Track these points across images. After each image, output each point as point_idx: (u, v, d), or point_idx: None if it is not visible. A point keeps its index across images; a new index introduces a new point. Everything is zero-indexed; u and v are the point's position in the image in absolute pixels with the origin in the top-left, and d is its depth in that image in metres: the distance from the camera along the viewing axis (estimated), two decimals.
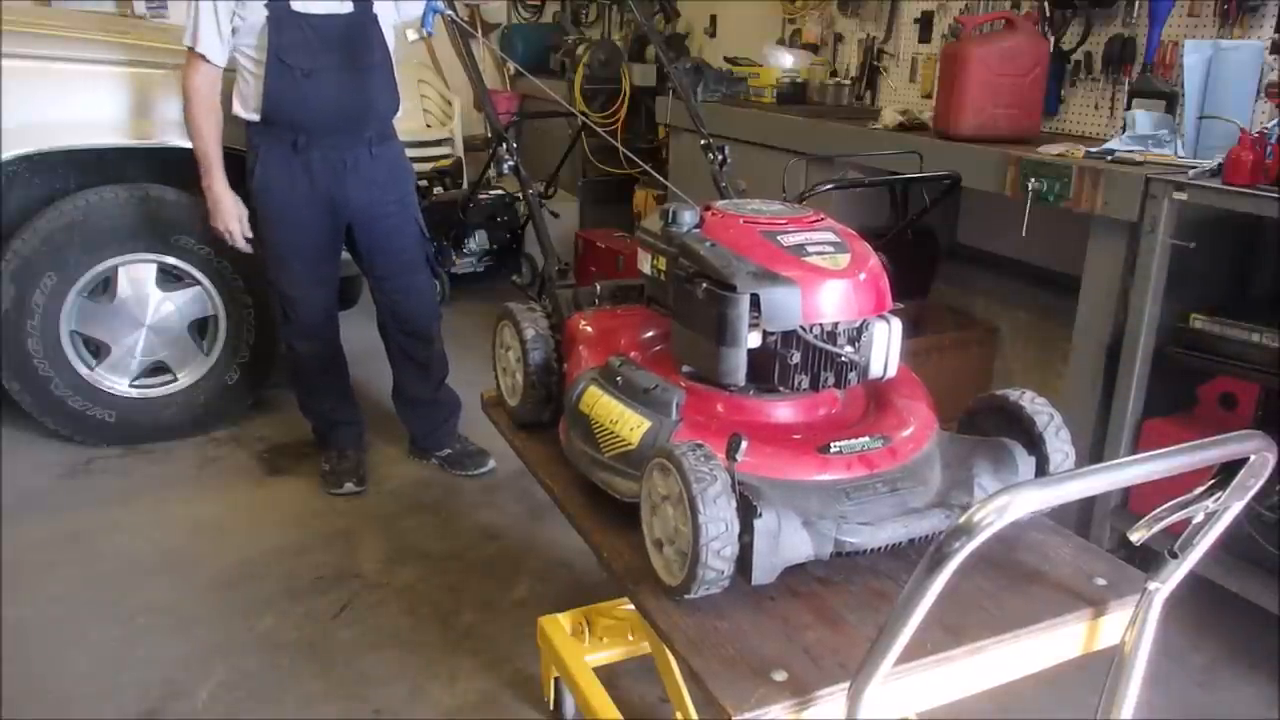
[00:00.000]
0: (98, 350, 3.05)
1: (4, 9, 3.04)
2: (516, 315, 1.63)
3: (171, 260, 3.03)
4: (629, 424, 1.31)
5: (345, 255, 2.89)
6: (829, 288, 1.26)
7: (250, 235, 2.69)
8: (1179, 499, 1.03)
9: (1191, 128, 2.36)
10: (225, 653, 2.14)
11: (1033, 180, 2.41)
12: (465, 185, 4.37)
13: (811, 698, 1.03)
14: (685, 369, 1.40)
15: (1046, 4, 2.99)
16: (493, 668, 2.12)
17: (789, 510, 1.15)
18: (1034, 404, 1.34)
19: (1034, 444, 1.32)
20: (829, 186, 2.16)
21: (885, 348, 1.32)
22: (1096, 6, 2.89)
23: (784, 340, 1.27)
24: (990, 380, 3.33)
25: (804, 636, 1.12)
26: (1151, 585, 1.13)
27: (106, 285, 3.01)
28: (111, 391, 3.06)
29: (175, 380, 3.14)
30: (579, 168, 5.02)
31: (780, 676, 1.04)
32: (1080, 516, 2.39)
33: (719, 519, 1.08)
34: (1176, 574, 1.12)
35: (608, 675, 1.87)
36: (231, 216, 2.65)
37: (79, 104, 2.88)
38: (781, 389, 1.31)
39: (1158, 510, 1.04)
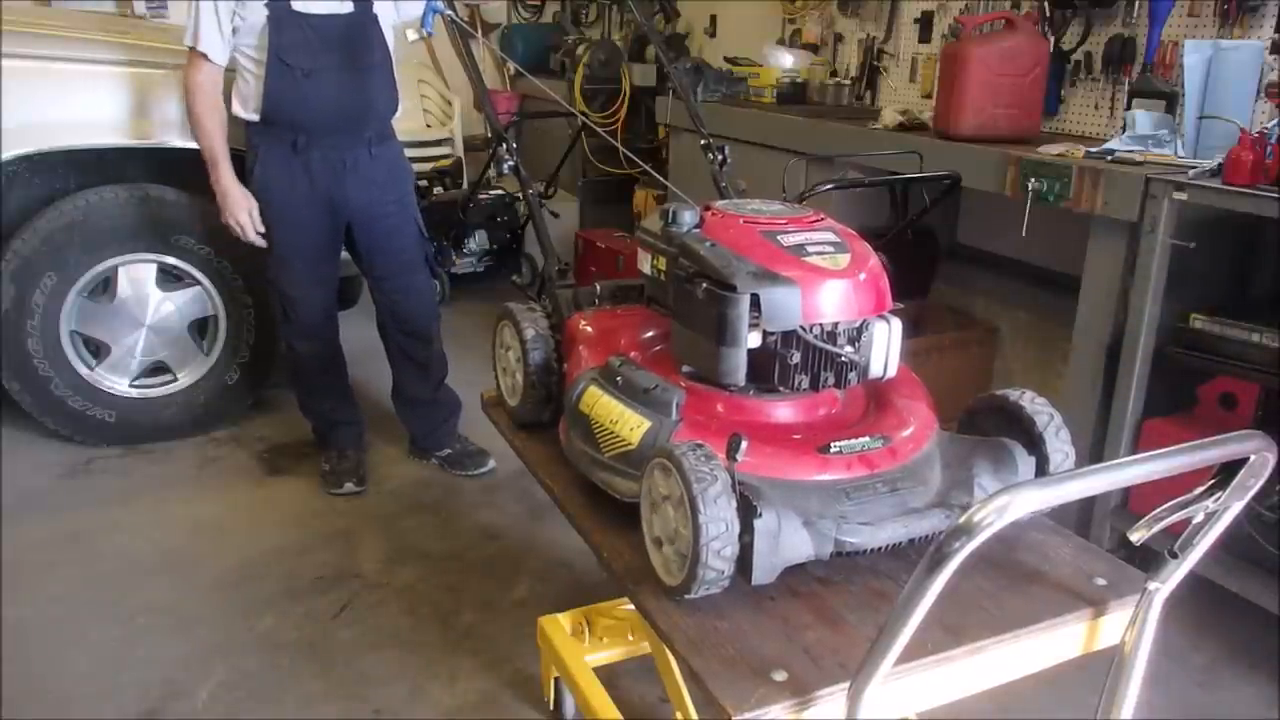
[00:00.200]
0: (98, 350, 3.05)
1: (4, 9, 3.04)
2: (516, 315, 1.63)
3: (171, 260, 3.03)
4: (629, 424, 1.31)
5: (345, 255, 2.89)
6: (829, 288, 1.26)
7: (262, 229, 2.68)
8: (1179, 499, 1.03)
9: (1191, 128, 2.36)
10: (225, 653, 2.14)
11: (1033, 180, 2.41)
12: (465, 185, 4.37)
13: (811, 698, 1.03)
14: (685, 369, 1.40)
15: (1046, 4, 2.99)
16: (493, 668, 2.12)
17: (789, 510, 1.15)
18: (1034, 404, 1.34)
19: (1034, 444, 1.32)
20: (829, 186, 2.16)
21: (885, 348, 1.32)
22: (1096, 6, 2.89)
23: (784, 340, 1.27)
24: (990, 380, 3.33)
25: (804, 636, 1.12)
26: (1151, 585, 1.13)
27: (106, 285, 3.01)
28: (111, 391, 3.06)
29: (175, 380, 3.14)
30: (579, 168, 5.02)
31: (780, 676, 1.04)
32: (1080, 516, 2.39)
33: (719, 519, 1.08)
34: (1176, 574, 1.12)
35: (608, 675, 1.87)
36: (241, 209, 2.64)
37: (79, 104, 2.88)
38: (781, 389, 1.31)
39: (1158, 510, 1.04)
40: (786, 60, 3.92)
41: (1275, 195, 1.96)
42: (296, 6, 2.50)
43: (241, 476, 2.97)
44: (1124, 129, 2.56)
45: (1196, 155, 2.31)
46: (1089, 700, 1.19)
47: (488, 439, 2.87)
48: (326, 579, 2.44)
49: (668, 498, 1.16)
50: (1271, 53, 2.43)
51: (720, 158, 2.06)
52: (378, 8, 2.65)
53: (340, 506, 2.81)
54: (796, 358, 1.28)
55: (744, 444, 1.13)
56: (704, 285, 1.26)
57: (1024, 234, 2.43)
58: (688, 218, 1.37)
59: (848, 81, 3.87)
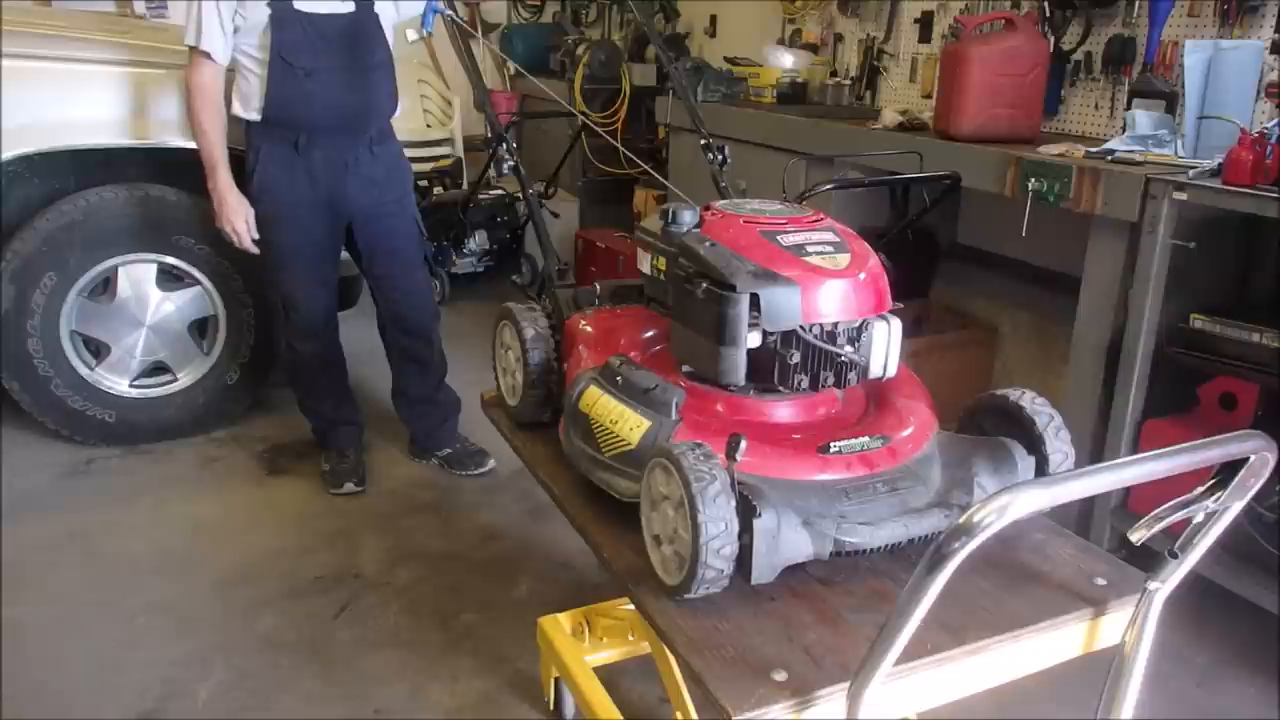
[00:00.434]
0: (98, 350, 3.05)
1: (4, 9, 3.04)
2: (516, 315, 1.63)
3: (171, 260, 3.03)
4: (629, 424, 1.31)
5: (345, 255, 2.89)
6: (829, 287, 1.26)
7: (256, 235, 2.68)
8: (1179, 499, 1.03)
9: (1191, 128, 2.36)
10: (225, 653, 2.14)
11: (1033, 180, 2.41)
12: (465, 185, 4.37)
13: (811, 698, 1.03)
14: (685, 369, 1.40)
15: (1046, 4, 2.99)
16: (493, 668, 2.12)
17: (789, 510, 1.15)
18: (1034, 404, 1.34)
19: (1034, 444, 1.32)
20: (829, 186, 2.16)
21: (885, 348, 1.32)
22: (1096, 6, 2.89)
23: (784, 340, 1.27)
24: (990, 380, 3.32)
25: (804, 636, 1.12)
26: (1151, 585, 1.13)
27: (106, 285, 3.01)
28: (111, 391, 3.06)
29: (175, 380, 3.14)
30: (579, 168, 5.03)
31: (780, 676, 1.04)
32: (1080, 516, 2.39)
33: (719, 518, 1.08)
34: (1176, 574, 1.12)
35: (608, 675, 1.87)
36: (237, 215, 2.64)
37: (79, 104, 2.88)
38: (781, 389, 1.31)
39: (1158, 510, 1.04)
40: (786, 60, 3.92)
41: (1275, 195, 1.96)
42: (298, 6, 2.50)
43: (241, 476, 2.98)
44: (1124, 129, 2.56)
45: (1196, 155, 2.31)
46: (1089, 700, 1.19)
47: (488, 439, 2.87)
48: (327, 579, 2.44)
49: (667, 497, 1.16)
50: (1271, 53, 2.43)
51: (720, 158, 2.06)
52: (378, 7, 2.66)
53: (340, 506, 2.81)
54: (796, 357, 1.28)
55: (743, 444, 1.13)
56: (704, 285, 1.26)
57: (1024, 234, 2.43)
58: (688, 218, 1.37)
59: (848, 81, 3.87)
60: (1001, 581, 1.23)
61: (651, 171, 2.36)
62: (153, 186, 2.96)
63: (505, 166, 2.03)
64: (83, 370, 3.01)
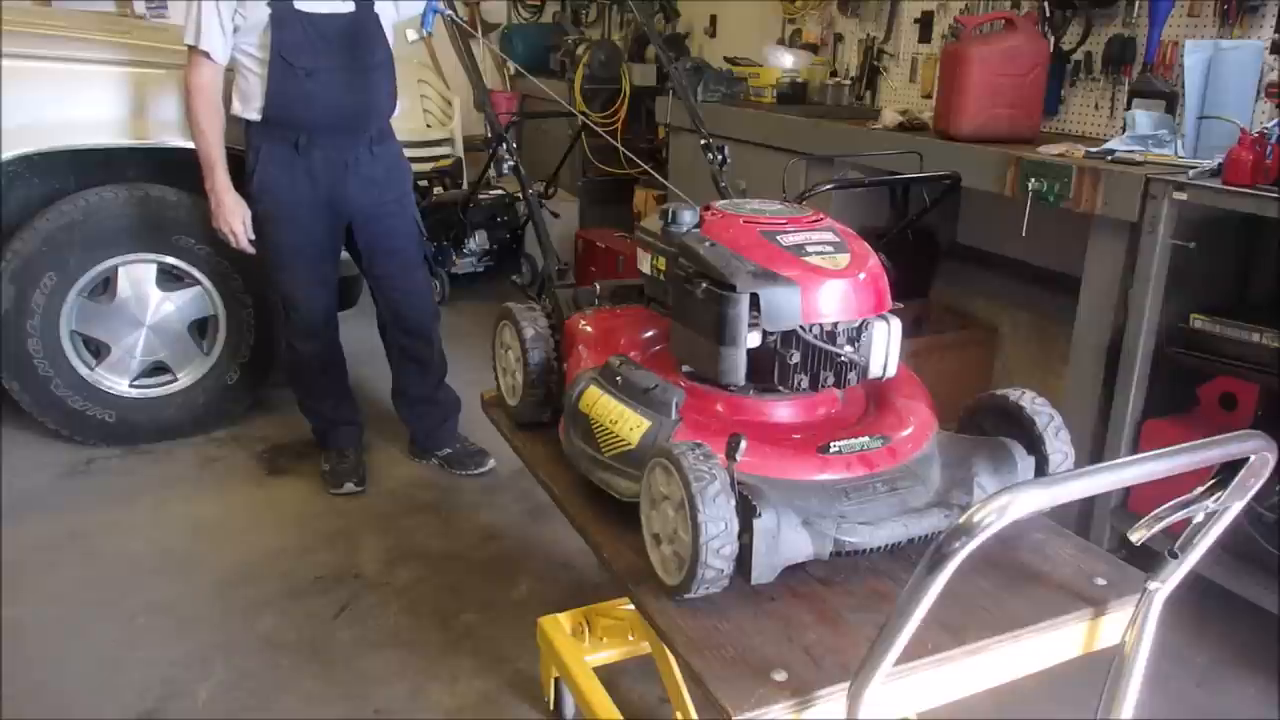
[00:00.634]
0: (98, 350, 3.05)
1: (4, 9, 3.04)
2: (516, 315, 1.63)
3: (171, 260, 3.03)
4: (629, 424, 1.31)
5: (345, 255, 2.89)
6: (829, 287, 1.26)
7: (254, 236, 2.68)
8: (1179, 499, 1.03)
9: (1191, 128, 2.36)
10: (225, 653, 2.14)
11: (1033, 180, 2.41)
12: (465, 185, 4.37)
13: (811, 698, 1.03)
14: (685, 369, 1.40)
15: (1046, 4, 2.99)
16: (493, 668, 2.12)
17: (788, 510, 1.15)
18: (1034, 404, 1.34)
19: (1034, 444, 1.32)
20: (829, 186, 2.16)
21: (885, 348, 1.32)
22: (1096, 6, 2.89)
23: (784, 340, 1.27)
24: (990, 380, 3.33)
25: (804, 636, 1.12)
26: (1151, 585, 1.13)
27: (106, 285, 3.01)
28: (111, 391, 3.06)
29: (175, 380, 3.14)
30: (579, 168, 5.03)
31: (780, 676, 1.04)
32: (1080, 516, 2.39)
33: (719, 518, 1.08)
34: (1176, 574, 1.12)
35: (608, 675, 1.87)
36: (235, 216, 2.64)
37: (79, 104, 2.88)
38: (781, 389, 1.31)
39: (1158, 510, 1.04)
40: (786, 60, 3.92)
41: (1275, 195, 1.96)
42: (298, 5, 2.50)
43: (241, 476, 2.98)
44: (1124, 129, 2.56)
45: (1196, 155, 2.31)
46: (1089, 700, 1.19)
47: (488, 439, 2.87)
48: (326, 579, 2.44)
49: (667, 497, 1.16)
50: (1271, 53, 2.43)
51: (720, 158, 2.06)
52: (379, 7, 2.66)
53: (340, 506, 2.81)
54: (796, 357, 1.28)
55: (743, 444, 1.13)
56: (704, 285, 1.26)
57: (1024, 234, 2.43)
58: (688, 218, 1.37)
59: (848, 81, 3.87)
60: (1001, 581, 1.23)
61: (651, 171, 2.36)
62: (152, 186, 2.96)
63: (505, 166, 2.03)
64: (83, 370, 3.01)
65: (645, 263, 1.45)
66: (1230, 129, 2.13)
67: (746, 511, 1.11)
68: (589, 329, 1.57)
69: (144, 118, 2.92)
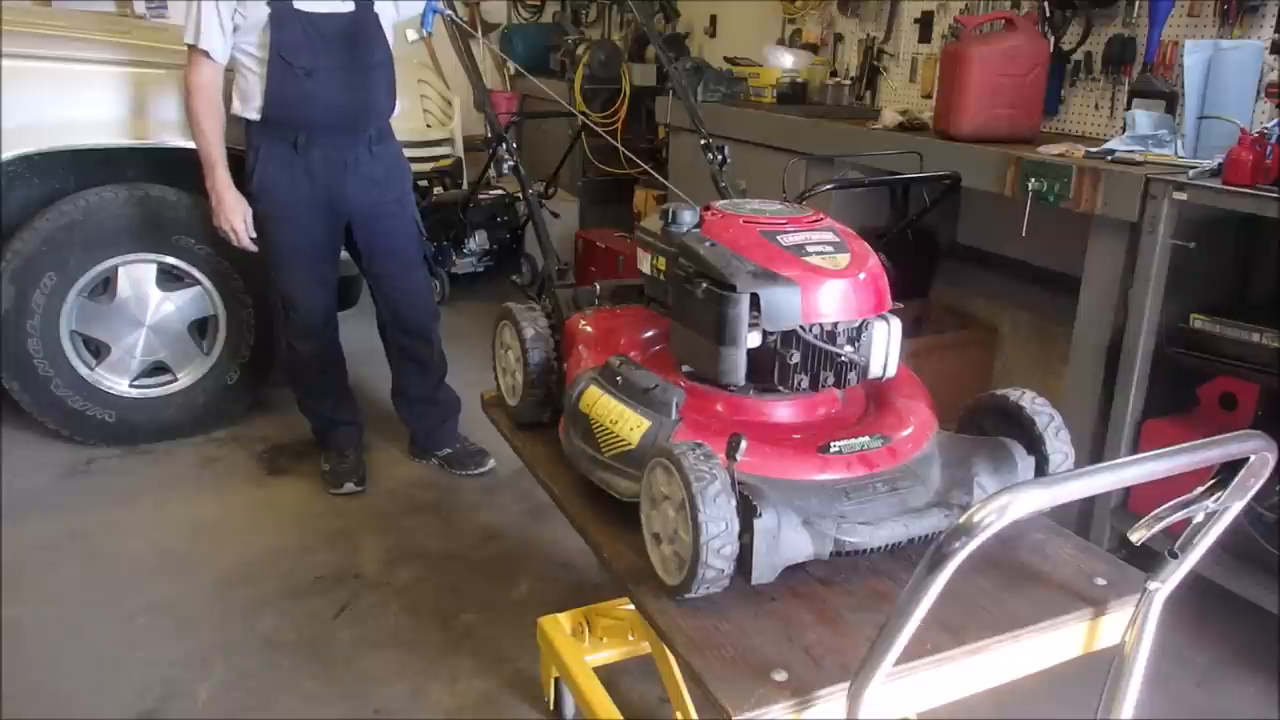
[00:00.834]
0: (98, 350, 3.05)
1: (4, 9, 3.04)
2: (516, 315, 1.63)
3: (171, 260, 3.03)
4: (629, 424, 1.31)
5: (345, 255, 2.89)
6: (829, 287, 1.26)
7: (254, 234, 2.68)
8: (1179, 499, 1.03)
9: (1191, 128, 2.36)
10: (225, 653, 2.14)
11: (1033, 180, 2.41)
12: (465, 185, 4.37)
13: (811, 698, 1.03)
14: (685, 369, 1.40)
15: (1046, 4, 2.99)
16: (493, 668, 2.12)
17: (789, 510, 1.15)
18: (1034, 404, 1.34)
19: (1034, 444, 1.32)
20: (829, 186, 2.16)
21: (885, 348, 1.32)
22: (1096, 6, 2.89)
23: (784, 340, 1.27)
24: (990, 380, 3.33)
25: (804, 636, 1.12)
26: (1151, 585, 1.13)
27: (106, 285, 3.01)
28: (111, 391, 3.05)
29: (175, 380, 3.14)
30: (579, 168, 5.03)
31: (780, 676, 1.04)
32: (1080, 516, 2.39)
33: (719, 518, 1.08)
34: (1176, 574, 1.12)
35: (608, 675, 1.87)
36: (235, 214, 2.64)
37: (79, 104, 2.88)
38: (781, 389, 1.31)
39: (1158, 510, 1.04)
40: (786, 60, 3.92)
41: (1275, 195, 1.96)
42: (298, 5, 2.50)
43: (241, 476, 2.98)
44: (1124, 129, 2.56)
45: (1196, 155, 2.31)
46: (1089, 700, 1.19)
47: (488, 439, 2.87)
48: (326, 579, 2.44)
49: (668, 498, 1.16)
50: (1271, 53, 2.43)
51: (720, 158, 2.06)
52: (378, 7, 2.66)
53: (340, 506, 2.81)
54: (796, 357, 1.28)
55: (743, 444, 1.13)
56: (704, 285, 1.26)
57: (1024, 234, 2.43)
58: (687, 218, 1.37)
59: (848, 81, 3.87)
60: (1001, 581, 1.23)
61: (651, 171, 2.36)
62: (152, 186, 2.96)
63: (505, 166, 2.03)
64: (83, 370, 3.01)
65: (645, 263, 1.45)
66: (1230, 129, 2.13)
67: (747, 511, 1.11)
68: (589, 329, 1.56)
69: (144, 118, 2.92)
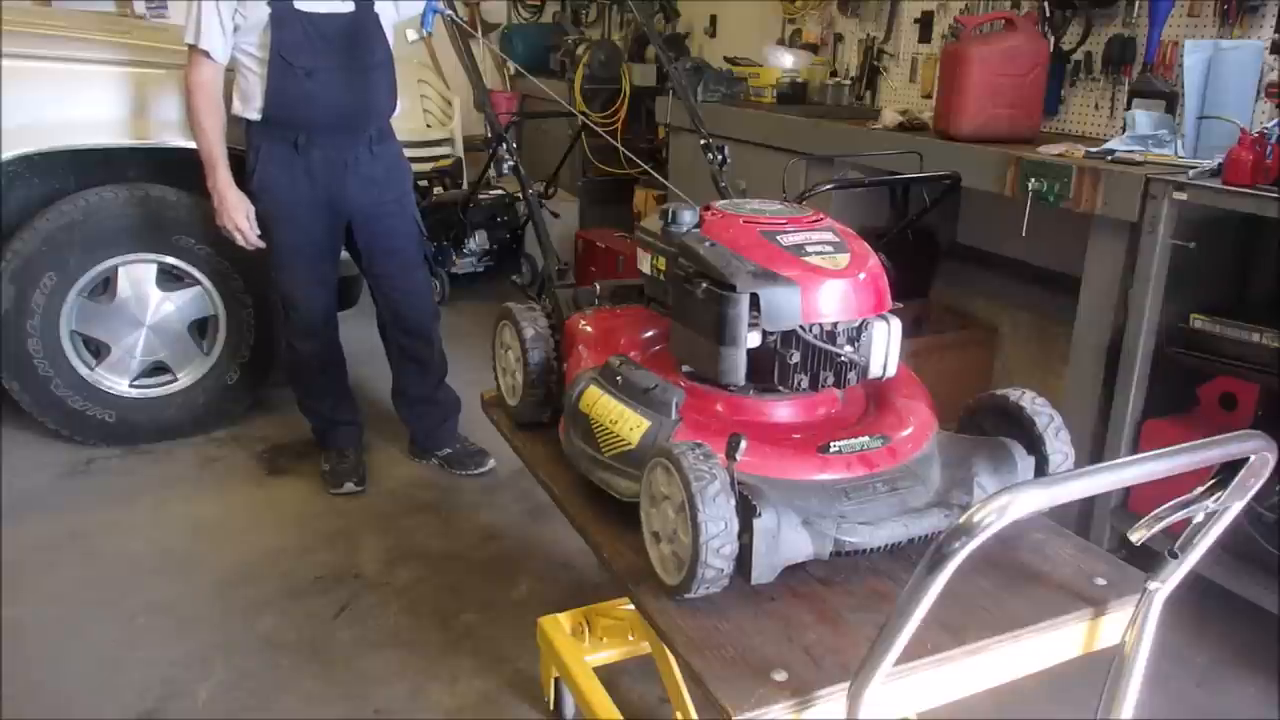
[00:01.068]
0: (98, 350, 3.05)
1: (4, 9, 3.04)
2: (516, 315, 1.63)
3: (171, 260, 3.03)
4: (629, 424, 1.31)
5: (345, 255, 2.89)
6: (829, 287, 1.26)
7: (259, 231, 2.68)
8: (1179, 499, 1.03)
9: (1191, 128, 2.36)
10: (225, 653, 2.14)
11: (1033, 180, 2.41)
12: (465, 185, 4.37)
13: (811, 698, 1.03)
14: (685, 369, 1.40)
15: (1046, 4, 2.99)
16: (493, 668, 2.12)
17: (788, 510, 1.15)
18: (1034, 404, 1.34)
19: (1034, 444, 1.32)
20: (829, 186, 2.16)
21: (885, 347, 1.32)
22: (1096, 6, 2.89)
23: (784, 340, 1.27)
24: (990, 380, 3.33)
25: (804, 636, 1.12)
26: (1151, 585, 1.13)
27: (106, 285, 3.01)
28: (111, 391, 3.05)
29: (175, 380, 3.14)
30: (579, 168, 5.03)
31: (780, 676, 1.04)
32: (1080, 516, 2.39)
33: (719, 518, 1.08)
34: (1176, 574, 1.12)
35: (608, 675, 1.87)
36: (238, 212, 2.64)
37: (79, 104, 2.88)
38: (781, 389, 1.31)
39: (1158, 510, 1.04)
40: (786, 60, 3.92)
41: (1275, 195, 1.96)
42: (298, 5, 2.50)
43: (241, 476, 2.98)
44: (1124, 129, 2.56)
45: (1196, 155, 2.31)
46: (1089, 700, 1.19)
47: (488, 439, 2.87)
48: (326, 579, 2.44)
49: (668, 498, 1.16)
50: (1271, 53, 2.43)
51: (720, 158, 2.06)
52: (379, 7, 2.66)
53: (340, 506, 2.81)
54: (796, 357, 1.28)
55: (743, 443, 1.13)
56: (704, 285, 1.26)
57: (1024, 234, 2.43)
58: (687, 218, 1.37)
59: (848, 81, 3.87)
60: (1001, 581, 1.23)
61: (651, 171, 2.36)
62: (153, 186, 2.96)
63: (505, 166, 2.03)
64: (83, 370, 3.01)
65: (645, 263, 1.45)
66: (1230, 129, 2.13)
67: (746, 511, 1.11)
68: (589, 329, 1.56)
69: (144, 118, 2.92)
